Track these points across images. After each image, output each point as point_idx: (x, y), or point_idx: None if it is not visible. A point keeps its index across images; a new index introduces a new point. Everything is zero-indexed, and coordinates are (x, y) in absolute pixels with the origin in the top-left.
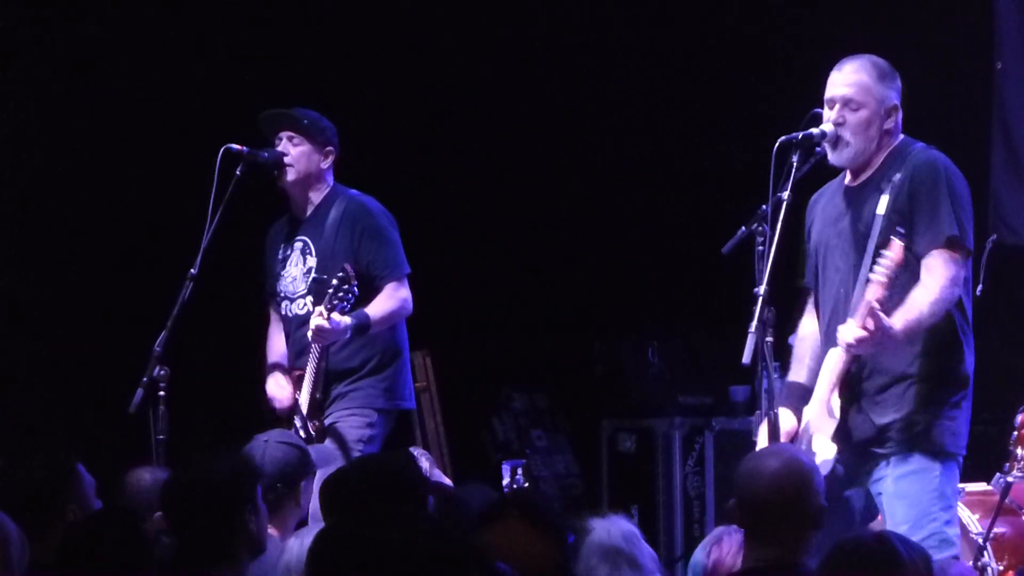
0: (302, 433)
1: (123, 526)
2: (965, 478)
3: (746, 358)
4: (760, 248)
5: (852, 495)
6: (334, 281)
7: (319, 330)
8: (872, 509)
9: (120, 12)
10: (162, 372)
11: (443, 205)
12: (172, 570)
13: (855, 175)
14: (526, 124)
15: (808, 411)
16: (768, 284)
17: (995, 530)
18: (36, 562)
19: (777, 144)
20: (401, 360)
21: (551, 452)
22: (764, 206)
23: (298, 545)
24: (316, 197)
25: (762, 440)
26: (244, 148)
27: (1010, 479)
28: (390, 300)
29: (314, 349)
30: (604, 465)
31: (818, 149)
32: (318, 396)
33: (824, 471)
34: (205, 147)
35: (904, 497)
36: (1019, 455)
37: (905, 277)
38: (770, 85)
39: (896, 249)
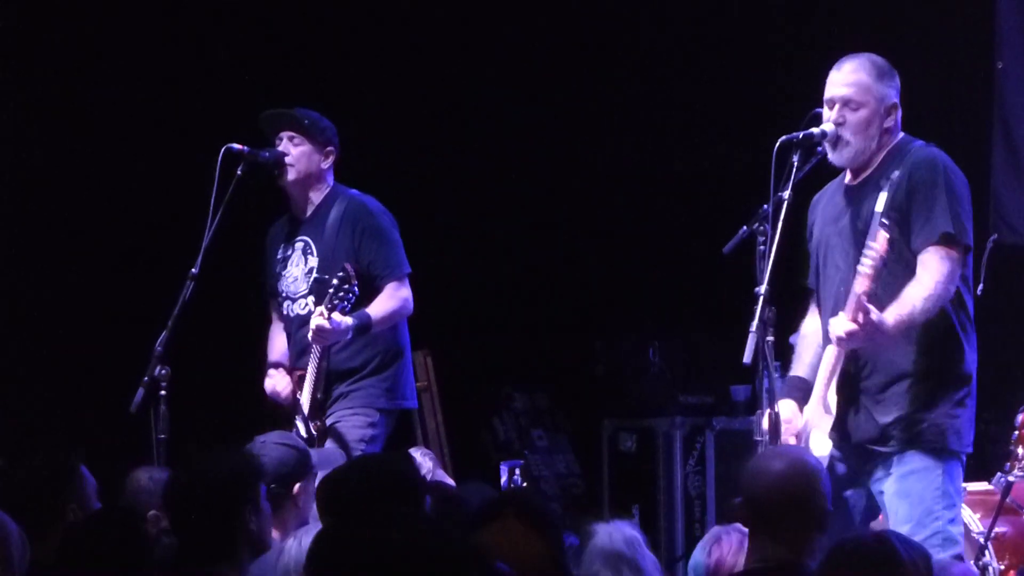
0: (303, 433)
1: (123, 526)
2: (966, 477)
3: (747, 358)
4: (761, 248)
5: (853, 495)
6: (334, 281)
7: (319, 330)
8: (873, 509)
9: (120, 12)
10: (163, 372)
11: (443, 205)
12: (172, 570)
13: (855, 174)
14: (526, 124)
15: (807, 408)
16: (769, 284)
17: (996, 529)
18: (36, 562)
19: (778, 144)
20: (403, 360)
21: (552, 452)
22: (765, 206)
23: (296, 546)
24: (316, 197)
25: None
26: (245, 148)
27: (1011, 478)
28: (391, 300)
29: (315, 349)
30: (605, 465)
31: (819, 149)
32: (319, 396)
33: None
34: (205, 147)
35: (907, 496)
36: (1020, 454)
37: (902, 273)
38: (770, 85)
39: (881, 240)
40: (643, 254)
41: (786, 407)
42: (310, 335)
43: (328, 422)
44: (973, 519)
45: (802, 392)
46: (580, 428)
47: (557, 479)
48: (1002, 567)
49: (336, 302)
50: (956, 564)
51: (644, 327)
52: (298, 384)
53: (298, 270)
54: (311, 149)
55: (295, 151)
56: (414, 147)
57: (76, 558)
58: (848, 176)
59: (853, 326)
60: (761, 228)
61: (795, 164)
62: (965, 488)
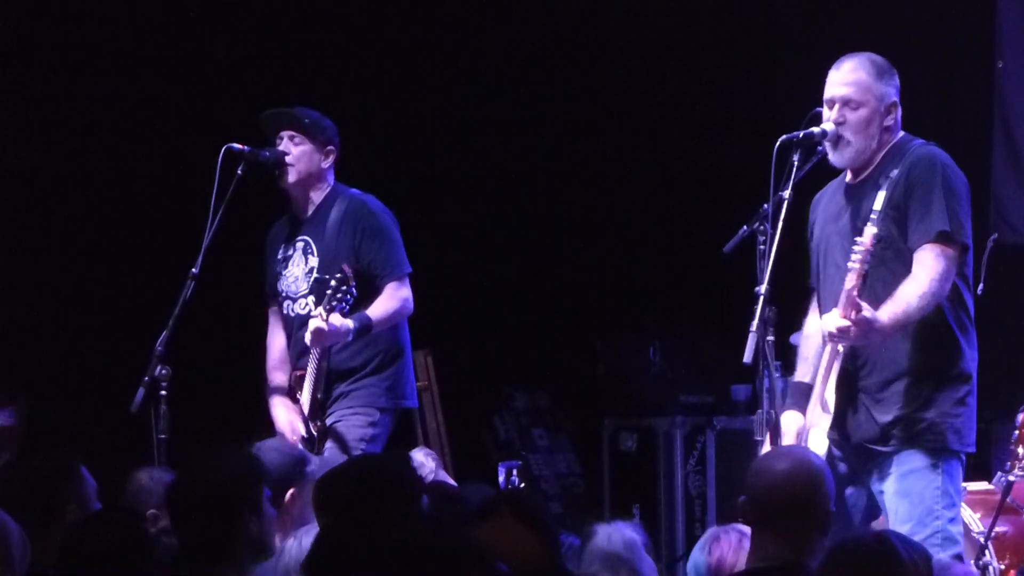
0: (304, 433)
1: (123, 526)
2: (967, 477)
3: (747, 357)
4: (761, 247)
5: (854, 494)
6: (332, 282)
7: (317, 333)
8: (874, 508)
9: (120, 12)
10: (163, 371)
11: (444, 205)
12: (173, 570)
13: (855, 173)
14: (527, 124)
15: (808, 408)
16: (769, 283)
17: (997, 529)
18: (36, 562)
19: (778, 143)
20: (403, 359)
21: (552, 451)
22: (765, 205)
23: (296, 546)
24: (317, 196)
25: (789, 437)
26: (245, 147)
27: (1012, 478)
28: (391, 300)
29: (315, 349)
30: (605, 464)
31: (819, 148)
32: (320, 396)
33: None
34: (206, 147)
35: (907, 495)
36: (1020, 454)
37: (902, 271)
38: (770, 85)
39: (867, 235)
40: (643, 254)
41: (791, 420)
42: (307, 338)
43: (328, 422)
44: (973, 519)
45: (806, 398)
46: (581, 428)
47: (558, 478)
48: (1002, 567)
49: (334, 303)
50: (956, 564)
51: (644, 326)
52: (298, 384)
53: (298, 270)
54: (312, 148)
55: (296, 150)
56: (414, 147)
57: (76, 558)
58: (848, 175)
59: (845, 322)
60: (761, 227)
61: (795, 163)
62: (966, 488)
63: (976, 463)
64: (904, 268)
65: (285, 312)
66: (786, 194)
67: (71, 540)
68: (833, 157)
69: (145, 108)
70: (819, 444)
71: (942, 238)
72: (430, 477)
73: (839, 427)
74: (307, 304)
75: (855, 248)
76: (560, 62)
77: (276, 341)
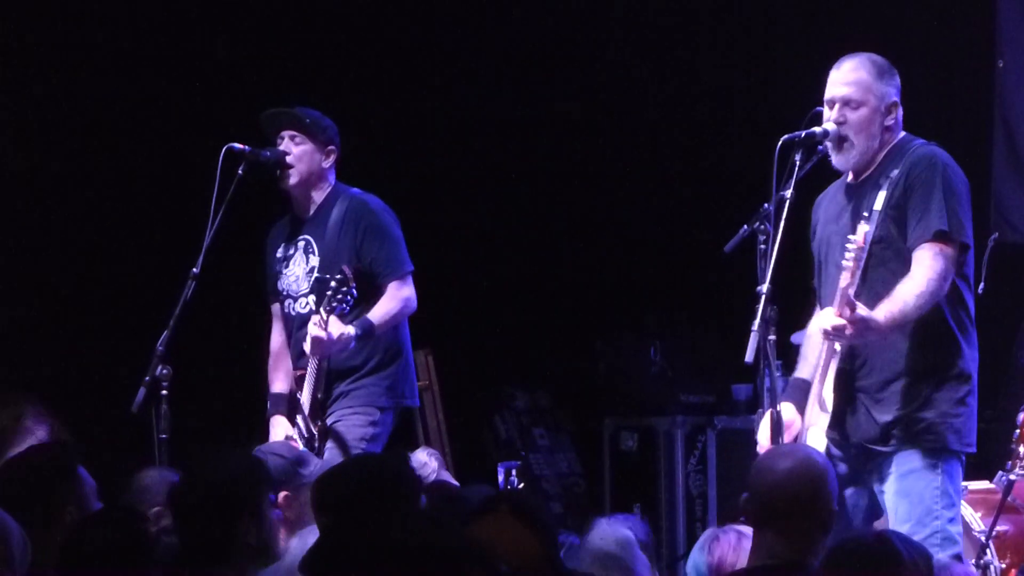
0: (304, 433)
1: (124, 526)
2: (967, 476)
3: (749, 356)
4: (762, 247)
5: (854, 494)
6: (332, 283)
7: (316, 342)
8: (876, 508)
9: (120, 12)
10: (164, 371)
11: (444, 204)
12: (173, 570)
13: (856, 173)
14: (526, 124)
15: (806, 406)
16: (771, 282)
17: (997, 528)
18: (37, 562)
19: (780, 143)
20: (404, 358)
21: (553, 451)
22: (767, 205)
23: (300, 546)
24: (318, 196)
25: (763, 436)
26: (246, 147)
27: (1013, 477)
28: (392, 301)
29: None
30: (606, 464)
31: (820, 148)
32: (320, 396)
33: None
34: (206, 147)
35: (907, 495)
36: (1021, 453)
37: (901, 271)
38: (770, 85)
39: (860, 233)
40: (643, 254)
41: (786, 410)
42: (306, 347)
43: (329, 421)
44: (974, 518)
45: (804, 394)
46: (581, 427)
47: (558, 478)
48: (1003, 566)
49: (334, 304)
50: (956, 564)
51: (645, 326)
52: (298, 383)
53: (299, 269)
54: (312, 148)
55: (296, 150)
56: (414, 147)
57: (76, 558)
58: (850, 175)
59: (840, 320)
60: (762, 227)
61: (797, 163)
62: (966, 487)
63: (977, 462)
64: (904, 268)
65: (286, 311)
66: (788, 193)
67: (71, 540)
68: (836, 160)
69: (145, 108)
70: (818, 443)
71: (940, 237)
72: (432, 477)
73: (839, 427)
74: (308, 303)
75: (848, 246)
76: (560, 62)
77: (277, 340)
